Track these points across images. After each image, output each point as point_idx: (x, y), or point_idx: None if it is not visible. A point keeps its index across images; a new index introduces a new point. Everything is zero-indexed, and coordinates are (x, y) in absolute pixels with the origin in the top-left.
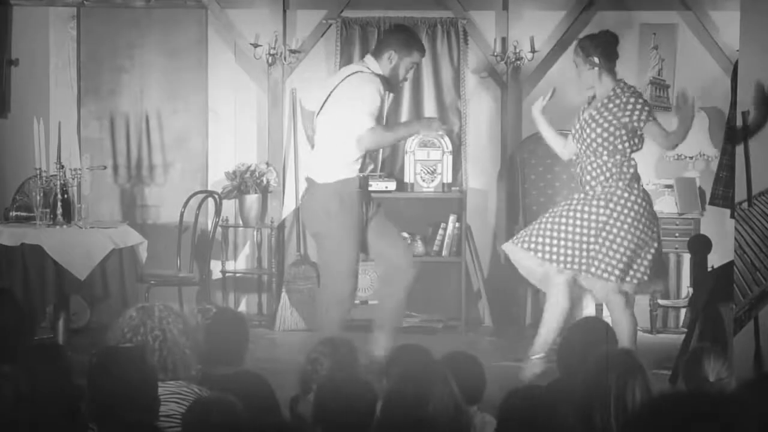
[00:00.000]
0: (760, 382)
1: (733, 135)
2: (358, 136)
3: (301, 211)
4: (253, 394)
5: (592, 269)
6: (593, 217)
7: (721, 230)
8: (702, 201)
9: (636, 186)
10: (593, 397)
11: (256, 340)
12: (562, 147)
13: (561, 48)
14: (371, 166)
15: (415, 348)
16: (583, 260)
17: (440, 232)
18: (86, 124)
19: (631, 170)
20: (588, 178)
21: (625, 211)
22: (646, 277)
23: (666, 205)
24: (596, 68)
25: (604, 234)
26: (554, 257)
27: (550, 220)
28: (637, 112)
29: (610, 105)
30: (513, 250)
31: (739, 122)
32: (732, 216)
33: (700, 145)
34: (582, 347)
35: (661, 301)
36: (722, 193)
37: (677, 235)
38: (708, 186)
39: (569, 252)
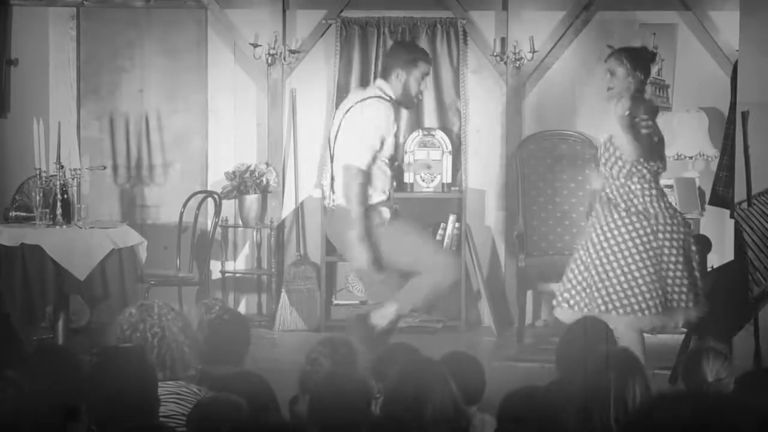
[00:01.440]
0: (757, 377)
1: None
2: (345, 164)
3: (336, 241)
4: (252, 395)
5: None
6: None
7: (721, 230)
8: (702, 201)
9: (668, 205)
10: (593, 397)
11: (255, 340)
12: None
13: (561, 48)
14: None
15: (405, 347)
16: (654, 300)
17: (440, 232)
18: (86, 124)
19: (660, 188)
20: (617, 201)
21: (675, 237)
22: (691, 303)
23: None
24: (636, 83)
25: (663, 265)
26: (628, 308)
27: (595, 263)
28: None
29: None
30: (569, 315)
31: (738, 122)
32: (732, 216)
33: (700, 145)
34: (582, 347)
35: None
36: (722, 193)
37: None
38: (708, 186)
39: (634, 297)
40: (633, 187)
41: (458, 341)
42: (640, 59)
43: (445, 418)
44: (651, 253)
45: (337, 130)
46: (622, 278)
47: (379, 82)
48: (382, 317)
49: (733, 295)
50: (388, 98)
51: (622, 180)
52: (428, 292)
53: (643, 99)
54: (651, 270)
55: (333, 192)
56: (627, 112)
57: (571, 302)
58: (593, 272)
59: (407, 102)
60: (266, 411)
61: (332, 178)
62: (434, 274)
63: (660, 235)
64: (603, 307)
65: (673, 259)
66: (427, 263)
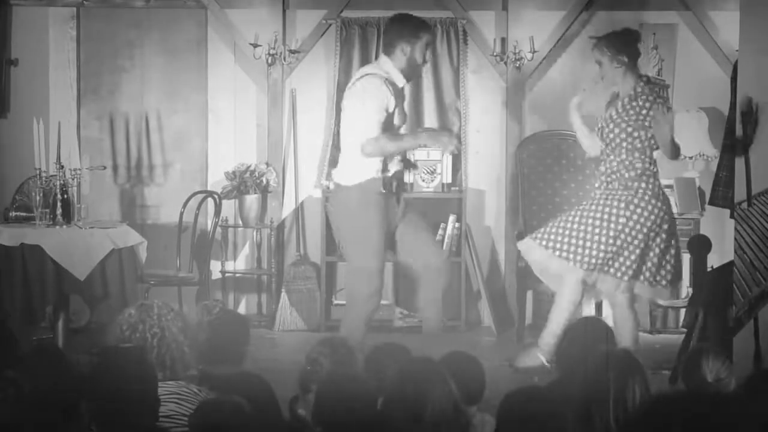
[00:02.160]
0: (758, 380)
1: (734, 144)
2: (361, 144)
3: (328, 214)
4: (252, 395)
5: (609, 269)
6: (613, 218)
7: (720, 230)
8: (702, 201)
9: (656, 185)
10: (593, 397)
11: (255, 340)
12: (590, 144)
13: (561, 48)
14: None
15: (394, 347)
16: (599, 260)
17: (440, 232)
18: (86, 124)
19: (653, 169)
20: (610, 175)
21: (645, 213)
22: (665, 282)
23: None
24: (623, 66)
25: (623, 236)
26: (572, 256)
27: (570, 219)
28: (652, 110)
29: (633, 103)
30: (531, 246)
31: (738, 122)
32: (732, 216)
33: (700, 145)
34: (582, 347)
35: (660, 301)
36: (722, 193)
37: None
38: (708, 186)
39: (587, 251)
40: (620, 158)
41: (458, 341)
42: (620, 43)
43: (445, 418)
44: (639, 227)
45: (340, 110)
46: (611, 241)
47: (382, 58)
48: None
49: (719, 299)
50: (384, 74)
51: (610, 154)
52: (345, 327)
53: (639, 78)
54: (636, 242)
55: (331, 173)
56: (615, 89)
57: (550, 244)
58: (581, 228)
59: (413, 74)
60: (266, 411)
61: (333, 157)
62: (351, 303)
63: (645, 213)
64: (585, 265)
65: (654, 236)
66: (351, 283)
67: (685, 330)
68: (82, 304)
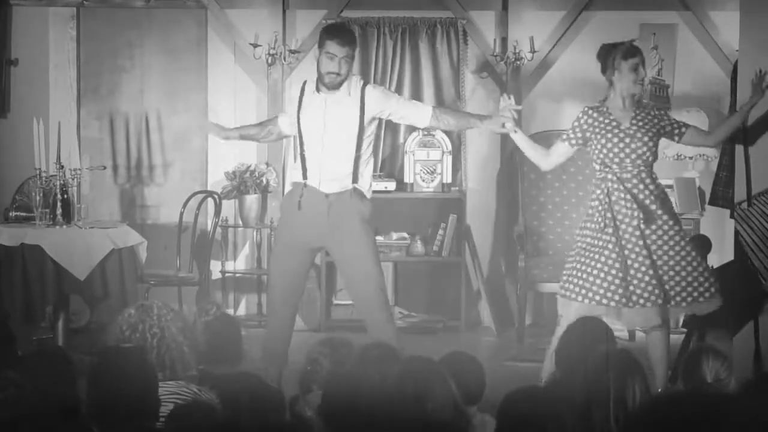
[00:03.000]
0: (760, 383)
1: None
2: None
3: None
4: (252, 395)
5: (633, 297)
6: (629, 245)
7: (721, 230)
8: (702, 201)
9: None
10: (593, 397)
11: (255, 341)
12: (543, 156)
13: (561, 48)
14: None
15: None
16: (620, 290)
17: (440, 232)
18: (86, 124)
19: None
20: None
21: (660, 232)
22: (702, 298)
23: None
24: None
25: (640, 259)
26: (596, 296)
27: (582, 255)
28: (672, 124)
29: (664, 113)
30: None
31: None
32: (732, 216)
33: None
34: (581, 347)
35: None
36: (722, 193)
37: None
38: (708, 186)
39: (606, 285)
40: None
41: (458, 341)
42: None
43: (445, 418)
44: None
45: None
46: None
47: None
48: None
49: (734, 294)
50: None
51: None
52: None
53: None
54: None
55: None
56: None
57: (581, 292)
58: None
59: (326, 84)
60: (266, 411)
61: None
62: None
63: (621, 233)
64: (606, 300)
65: (635, 256)
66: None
67: (685, 330)
68: (82, 304)
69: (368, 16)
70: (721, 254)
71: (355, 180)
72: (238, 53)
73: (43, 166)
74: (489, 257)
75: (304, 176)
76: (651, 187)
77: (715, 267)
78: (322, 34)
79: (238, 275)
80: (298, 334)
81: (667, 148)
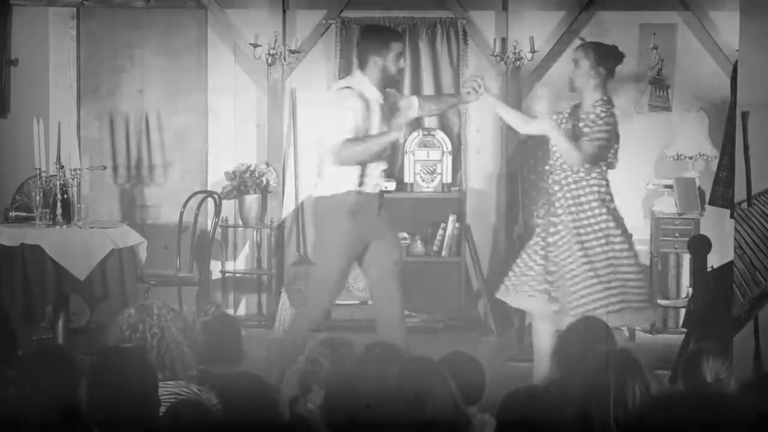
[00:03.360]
0: (759, 382)
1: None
2: (333, 153)
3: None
4: (252, 395)
5: (574, 302)
6: (571, 250)
7: (721, 230)
8: (702, 201)
9: (607, 207)
10: (592, 397)
11: (255, 341)
12: (523, 123)
13: (561, 48)
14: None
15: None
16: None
17: (440, 232)
18: (86, 124)
19: (602, 188)
20: (558, 192)
21: (602, 240)
22: (633, 306)
23: (666, 206)
24: (597, 79)
25: (584, 267)
26: (545, 294)
27: (533, 257)
28: (590, 128)
29: (587, 120)
30: (515, 297)
31: (738, 122)
32: (732, 216)
33: (700, 145)
34: (581, 347)
35: (660, 301)
36: (722, 193)
37: (677, 235)
38: (708, 186)
39: (552, 287)
40: (572, 177)
41: (458, 341)
42: (605, 56)
43: (445, 418)
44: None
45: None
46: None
47: (357, 74)
48: None
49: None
50: (358, 89)
51: (569, 188)
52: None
53: (603, 98)
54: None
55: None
56: (577, 100)
57: (525, 290)
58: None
59: (389, 83)
60: (266, 411)
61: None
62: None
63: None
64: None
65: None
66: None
67: (685, 330)
68: (82, 304)
69: (368, 16)
70: (721, 254)
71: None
72: (238, 53)
73: (43, 166)
74: (489, 257)
75: (362, 182)
76: None
77: (714, 267)
78: (380, 38)
79: (238, 275)
80: None
81: (668, 148)
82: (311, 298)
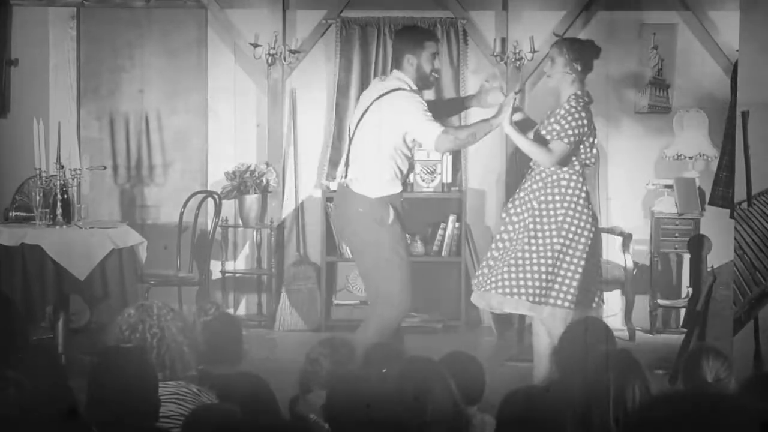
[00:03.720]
0: (759, 382)
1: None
2: (434, 142)
3: (336, 218)
4: (252, 395)
5: (551, 299)
6: (549, 246)
7: (721, 230)
8: (702, 201)
9: (574, 204)
10: (592, 398)
11: (255, 341)
12: (546, 154)
13: None
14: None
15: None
16: (541, 290)
17: (440, 232)
18: (86, 124)
19: (579, 185)
20: (535, 188)
21: (577, 237)
22: (602, 302)
23: (666, 206)
24: (574, 75)
25: (558, 263)
26: (522, 290)
27: (509, 254)
28: (559, 125)
29: (558, 116)
30: (488, 299)
31: (738, 122)
32: (732, 216)
33: (700, 145)
34: (581, 347)
35: (660, 301)
36: (722, 193)
37: (677, 235)
38: (708, 186)
39: (530, 283)
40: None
41: (458, 341)
42: (581, 51)
43: (445, 418)
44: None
45: (361, 117)
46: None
47: (395, 72)
48: None
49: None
50: (406, 86)
51: (537, 186)
52: (376, 330)
53: (576, 92)
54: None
55: (346, 174)
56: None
57: (499, 287)
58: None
59: (424, 84)
60: (265, 412)
61: (347, 161)
62: (384, 308)
63: (563, 234)
64: (531, 297)
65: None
66: (380, 292)
67: (685, 330)
68: (82, 304)
69: (368, 16)
70: (721, 254)
71: None
72: (238, 53)
73: (43, 166)
74: None
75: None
76: None
77: (714, 267)
78: (417, 36)
79: (238, 275)
80: (298, 334)
81: (668, 148)
82: (396, 297)
